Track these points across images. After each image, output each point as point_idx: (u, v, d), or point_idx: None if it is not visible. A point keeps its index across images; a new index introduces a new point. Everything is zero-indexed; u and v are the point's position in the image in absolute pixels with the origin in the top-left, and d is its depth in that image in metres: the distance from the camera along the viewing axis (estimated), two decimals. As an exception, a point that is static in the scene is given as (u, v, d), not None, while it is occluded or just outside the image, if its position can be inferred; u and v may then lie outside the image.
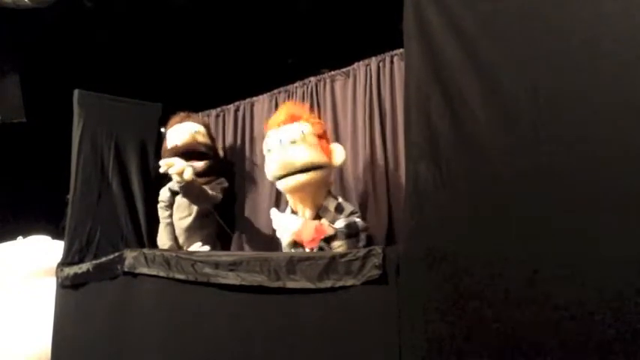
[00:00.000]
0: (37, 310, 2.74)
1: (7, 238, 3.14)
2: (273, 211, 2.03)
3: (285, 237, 1.90)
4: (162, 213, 2.65)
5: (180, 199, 2.56)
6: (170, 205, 2.63)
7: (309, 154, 1.91)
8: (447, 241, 1.16)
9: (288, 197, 2.10)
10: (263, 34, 3.18)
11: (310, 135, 1.98)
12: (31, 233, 3.22)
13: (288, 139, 1.95)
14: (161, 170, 2.34)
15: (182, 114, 2.69)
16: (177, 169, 2.27)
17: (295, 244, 1.87)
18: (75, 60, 3.33)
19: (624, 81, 0.97)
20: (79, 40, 3.26)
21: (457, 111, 1.17)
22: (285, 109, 2.09)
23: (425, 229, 1.20)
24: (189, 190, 2.37)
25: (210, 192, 2.48)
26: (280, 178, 1.95)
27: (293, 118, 2.01)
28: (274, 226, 2.00)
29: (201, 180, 2.50)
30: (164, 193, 2.66)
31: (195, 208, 2.53)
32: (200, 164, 2.53)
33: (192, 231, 2.54)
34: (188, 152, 2.49)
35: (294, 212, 2.08)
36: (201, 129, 2.64)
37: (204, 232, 2.56)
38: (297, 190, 1.96)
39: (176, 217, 2.59)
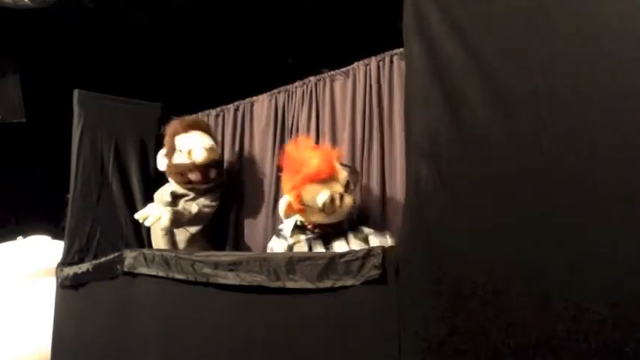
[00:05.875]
0: (37, 310, 2.74)
1: (7, 238, 3.13)
2: None
3: None
4: None
5: (183, 204, 2.50)
6: None
7: None
8: (446, 241, 1.16)
9: None
10: (263, 34, 3.18)
11: None
12: (31, 233, 3.22)
13: None
14: (140, 220, 2.39)
15: (187, 119, 2.61)
16: (152, 219, 2.30)
17: None
18: (75, 60, 3.33)
19: (624, 81, 0.97)
20: (79, 40, 3.26)
21: (457, 111, 1.17)
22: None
23: (425, 229, 1.20)
24: (176, 225, 2.42)
25: (197, 212, 2.47)
26: None
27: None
28: None
29: (204, 186, 2.52)
30: (164, 197, 2.50)
31: None
32: (213, 172, 2.53)
33: (195, 241, 2.51)
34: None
35: None
36: (214, 144, 2.53)
37: (209, 245, 2.54)
38: None
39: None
